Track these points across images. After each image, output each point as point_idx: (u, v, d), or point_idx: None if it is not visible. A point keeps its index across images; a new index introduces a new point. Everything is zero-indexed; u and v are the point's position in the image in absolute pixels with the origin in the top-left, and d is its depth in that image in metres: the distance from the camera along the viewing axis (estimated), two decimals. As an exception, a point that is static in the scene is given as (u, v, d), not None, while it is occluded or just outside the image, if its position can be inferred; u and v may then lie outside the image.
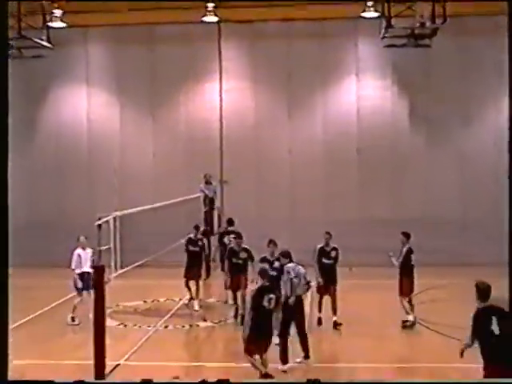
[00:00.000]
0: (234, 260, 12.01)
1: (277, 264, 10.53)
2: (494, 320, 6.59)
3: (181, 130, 19.67)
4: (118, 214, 10.80)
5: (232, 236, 12.71)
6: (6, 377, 4.34)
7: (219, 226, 17.41)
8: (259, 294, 8.44)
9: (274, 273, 10.44)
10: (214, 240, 16.66)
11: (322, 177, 19.28)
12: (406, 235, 11.63)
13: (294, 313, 9.53)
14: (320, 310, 11.82)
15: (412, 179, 18.94)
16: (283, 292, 9.64)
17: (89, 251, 11.76)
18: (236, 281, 12.02)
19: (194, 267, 13.33)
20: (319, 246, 11.82)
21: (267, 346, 8.47)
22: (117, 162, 18.53)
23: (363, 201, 19.02)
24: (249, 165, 19.37)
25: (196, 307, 13.25)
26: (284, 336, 9.48)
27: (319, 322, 11.74)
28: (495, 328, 6.57)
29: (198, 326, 12.26)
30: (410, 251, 11.56)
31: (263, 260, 10.65)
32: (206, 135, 19.38)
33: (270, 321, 8.46)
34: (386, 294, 13.04)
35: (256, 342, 8.35)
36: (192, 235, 13.59)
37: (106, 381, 8.31)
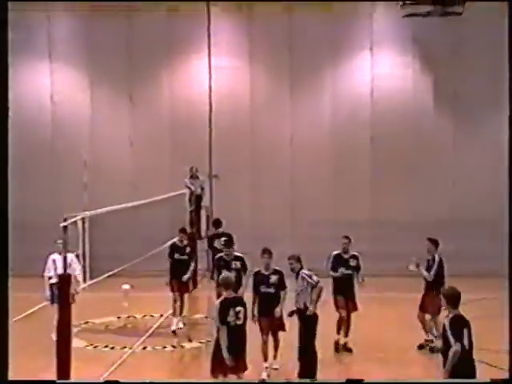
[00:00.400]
0: (225, 272, 11.71)
1: (274, 279, 10.33)
2: (466, 332, 6.98)
3: (164, 115, 19.60)
4: (88, 213, 10.76)
5: (224, 239, 12.51)
6: (7, 377, 4.96)
7: (207, 228, 17.35)
8: (223, 307, 8.38)
9: (270, 290, 10.27)
10: (201, 245, 16.56)
11: (328, 171, 19.27)
12: (435, 242, 11.59)
13: (313, 325, 9.57)
14: (338, 331, 11.61)
15: (437, 173, 18.87)
16: (295, 303, 9.68)
17: (67, 256, 11.52)
18: None
19: (181, 279, 13.10)
20: (335, 252, 11.69)
21: (241, 365, 8.45)
22: (87, 153, 18.33)
23: (378, 199, 18.98)
24: (243, 156, 19.33)
25: (180, 325, 13.09)
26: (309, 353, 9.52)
27: (337, 347, 11.58)
28: (466, 342, 6.95)
29: (182, 346, 12.20)
30: (442, 261, 11.49)
31: (257, 275, 10.44)
32: (193, 121, 19.31)
33: (241, 337, 8.43)
34: (405, 310, 12.88)
35: (224, 364, 8.35)
36: (177, 240, 13.38)
37: (104, 380, 8.82)
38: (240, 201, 18.98)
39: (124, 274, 13.04)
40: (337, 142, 19.23)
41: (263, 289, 10.28)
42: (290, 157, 19.41)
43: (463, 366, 6.95)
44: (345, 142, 19.18)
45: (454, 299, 7.15)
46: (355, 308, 11.69)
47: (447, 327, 7.04)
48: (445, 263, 11.57)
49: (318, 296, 9.70)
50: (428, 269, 11.46)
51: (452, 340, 6.95)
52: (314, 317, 9.69)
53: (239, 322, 8.35)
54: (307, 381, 9.52)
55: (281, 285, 10.30)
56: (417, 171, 18.96)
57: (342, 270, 11.49)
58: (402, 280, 12.62)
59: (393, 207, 18.75)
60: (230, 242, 12.14)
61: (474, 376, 7.03)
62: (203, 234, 17.34)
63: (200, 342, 12.35)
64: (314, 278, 9.74)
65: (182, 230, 13.51)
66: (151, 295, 15.58)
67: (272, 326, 10.32)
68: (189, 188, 17.33)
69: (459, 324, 7.03)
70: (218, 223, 14.28)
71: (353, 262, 11.63)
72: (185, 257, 13.23)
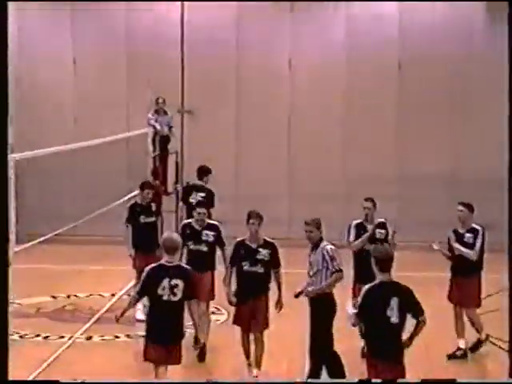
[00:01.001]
0: (193, 246, 11.42)
1: (263, 253, 10.14)
2: (395, 302, 7.33)
3: (119, 24, 19.57)
4: (16, 156, 10.59)
5: (201, 194, 12.35)
6: (7, 377, 5.99)
7: (176, 180, 17.39)
8: (151, 275, 8.61)
9: (257, 269, 10.09)
10: (168, 203, 16.52)
11: (340, 108, 19.45)
12: (470, 207, 11.52)
13: (327, 312, 9.71)
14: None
15: (486, 116, 18.70)
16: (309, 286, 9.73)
17: None
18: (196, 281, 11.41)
19: (150, 249, 12.91)
20: (356, 221, 11.60)
21: (170, 354, 8.67)
22: (12, 75, 18.11)
23: (406, 149, 19.10)
24: (226, 85, 19.36)
25: (141, 316, 12.82)
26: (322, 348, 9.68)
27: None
28: (393, 313, 7.32)
29: (141, 336, 12.10)
30: (484, 234, 11.48)
31: (240, 247, 10.18)
32: (159, 34, 19.22)
33: (175, 317, 8.64)
34: (437, 297, 12.81)
35: (152, 349, 8.67)
36: (138, 199, 13.20)
37: (106, 380, 9.30)
38: (221, 145, 19.00)
39: (62, 239, 12.93)
40: (351, 69, 19.25)
41: (247, 266, 10.07)
42: (288, 87, 19.47)
43: (387, 345, 7.35)
44: (362, 68, 19.18)
45: (385, 261, 7.52)
46: None
47: (362, 293, 7.49)
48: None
49: (332, 283, 9.69)
50: (462, 243, 11.34)
51: (352, 309, 7.43)
52: (329, 302, 9.63)
53: (174, 299, 8.53)
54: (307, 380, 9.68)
55: (273, 262, 10.14)
56: (459, 112, 18.99)
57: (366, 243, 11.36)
58: (432, 256, 12.52)
59: (426, 160, 18.88)
60: (207, 202, 11.94)
61: (399, 359, 7.42)
62: (170, 188, 17.25)
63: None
64: (336, 262, 9.69)
65: (146, 185, 13.30)
66: (100, 268, 15.54)
67: (254, 318, 10.10)
68: (153, 126, 17.20)
69: (379, 294, 7.38)
70: (204, 171, 13.67)
71: (380, 234, 11.49)
72: (152, 218, 13.11)
